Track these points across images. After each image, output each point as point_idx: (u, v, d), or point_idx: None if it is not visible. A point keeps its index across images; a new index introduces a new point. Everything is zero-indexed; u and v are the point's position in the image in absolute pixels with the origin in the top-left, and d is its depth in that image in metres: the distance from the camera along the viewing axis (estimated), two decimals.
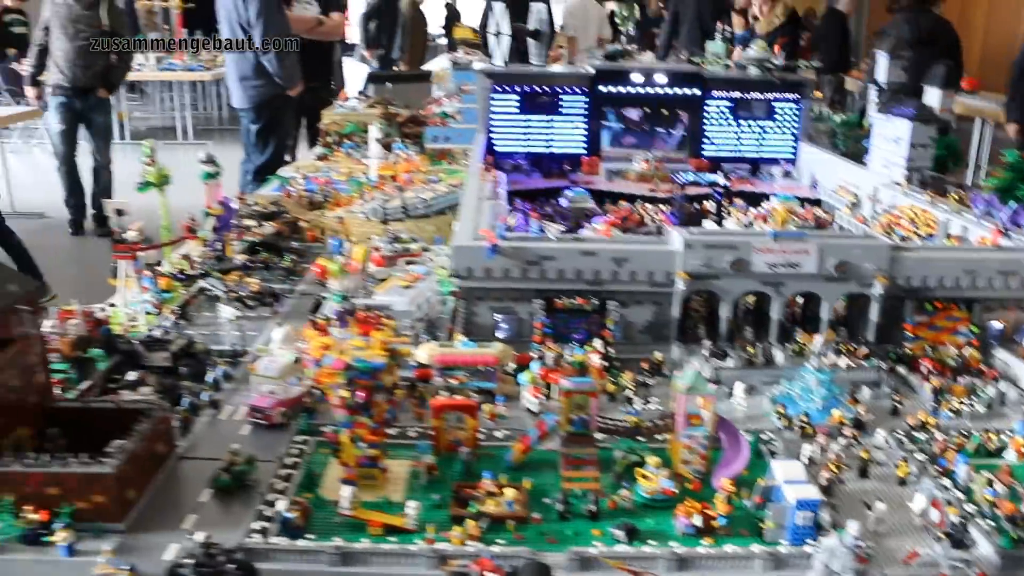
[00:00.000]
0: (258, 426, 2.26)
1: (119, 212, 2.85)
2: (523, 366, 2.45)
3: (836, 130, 5.39)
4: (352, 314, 1.98)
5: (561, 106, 4.96)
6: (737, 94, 4.97)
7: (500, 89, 4.90)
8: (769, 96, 4.96)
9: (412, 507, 1.83)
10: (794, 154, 5.07)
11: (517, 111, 4.97)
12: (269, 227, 3.95)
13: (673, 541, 1.83)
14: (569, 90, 4.93)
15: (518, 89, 4.91)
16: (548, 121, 4.99)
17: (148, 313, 2.86)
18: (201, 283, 3.06)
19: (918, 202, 3.58)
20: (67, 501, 1.81)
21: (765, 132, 5.04)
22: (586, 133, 5.01)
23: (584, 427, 2.06)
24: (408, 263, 3.49)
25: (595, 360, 2.51)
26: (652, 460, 2.03)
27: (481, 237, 2.66)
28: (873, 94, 4.16)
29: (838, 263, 2.68)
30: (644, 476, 2.01)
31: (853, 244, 2.72)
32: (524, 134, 5.01)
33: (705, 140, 5.06)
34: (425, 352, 2.41)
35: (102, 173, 9.04)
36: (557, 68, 5.19)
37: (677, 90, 4.95)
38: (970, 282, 2.76)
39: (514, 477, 2.00)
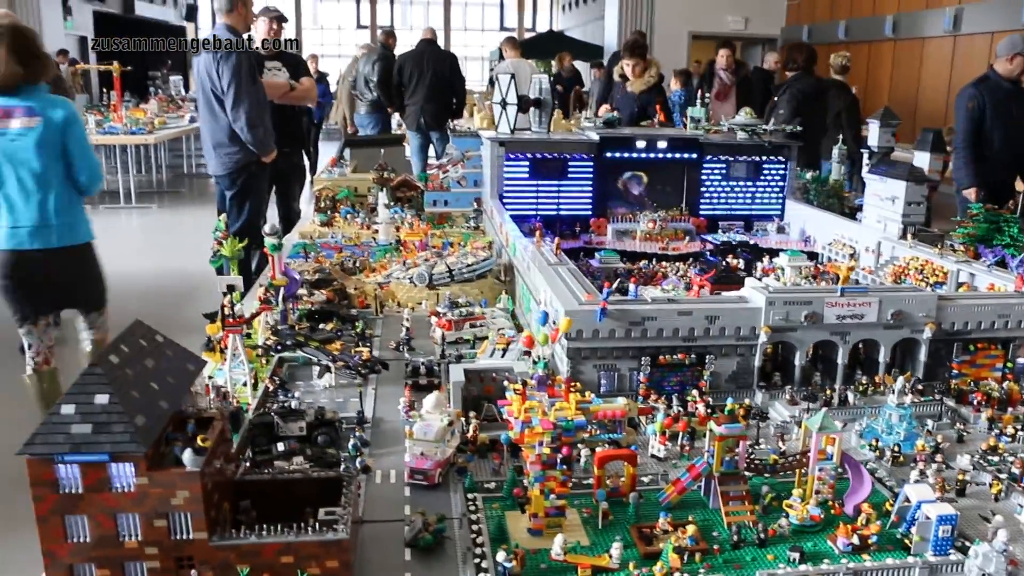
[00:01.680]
0: (417, 487, 2.43)
1: (230, 288, 3.00)
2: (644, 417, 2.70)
3: (808, 186, 5.87)
4: (551, 379, 2.19)
5: (569, 171, 5.29)
6: (730, 157, 5.41)
7: (512, 156, 5.20)
8: (758, 158, 5.41)
9: (616, 548, 2.04)
10: (781, 211, 5.52)
11: (527, 176, 5.27)
12: (320, 295, 4.12)
13: (835, 559, 2.10)
14: (577, 156, 5.27)
15: (529, 156, 5.22)
16: (557, 185, 5.31)
17: (244, 384, 3.01)
18: (300, 353, 3.21)
19: (925, 254, 4.01)
20: (302, 568, 1.92)
21: (755, 191, 5.48)
22: (592, 196, 5.35)
23: (735, 466, 2.32)
24: (471, 326, 3.74)
25: (700, 409, 2.79)
26: (796, 492, 2.31)
27: (587, 302, 2.92)
28: (865, 157, 4.60)
29: (895, 312, 3.04)
30: (790, 506, 2.28)
31: (907, 296, 3.08)
32: (534, 198, 5.31)
33: (702, 200, 5.46)
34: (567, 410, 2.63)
35: None
36: (563, 135, 5.53)
37: (676, 155, 5.35)
38: (1003, 324, 3.16)
39: (676, 516, 2.24)
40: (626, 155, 5.31)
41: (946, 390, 3.07)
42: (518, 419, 2.11)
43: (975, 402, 3.02)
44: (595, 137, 5.31)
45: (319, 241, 5.43)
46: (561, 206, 5.34)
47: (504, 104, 5.43)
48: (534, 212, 5.28)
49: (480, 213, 5.85)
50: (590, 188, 5.33)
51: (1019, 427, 2.86)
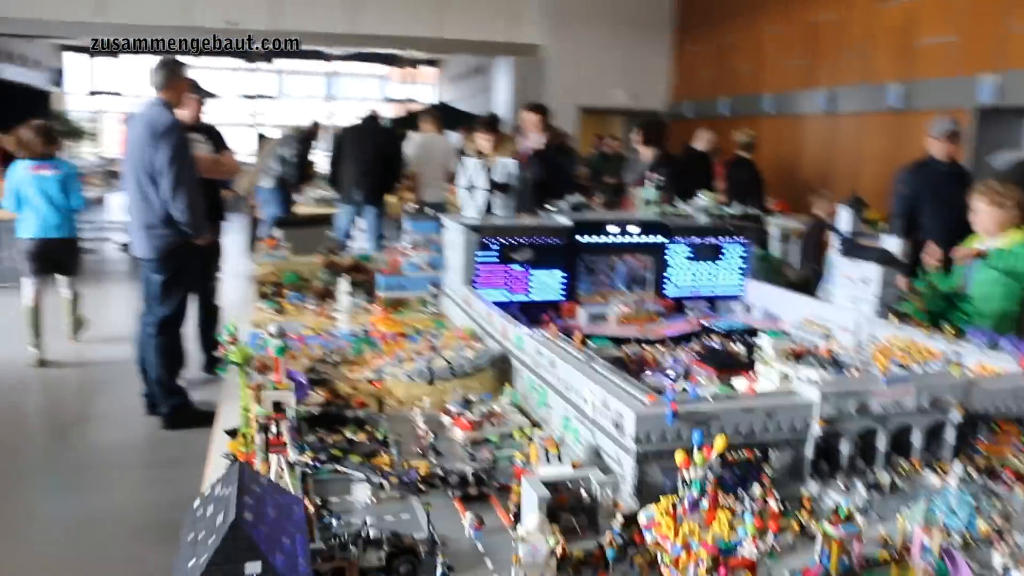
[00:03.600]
0: None
1: (276, 406, 2.82)
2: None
3: (760, 265, 6.09)
4: (699, 499, 2.13)
5: (542, 256, 5.29)
6: (695, 239, 5.54)
7: (485, 243, 5.16)
8: (722, 240, 5.58)
9: None
10: (741, 290, 5.68)
11: (498, 261, 5.23)
12: (317, 395, 3.92)
13: None
14: (550, 241, 5.28)
15: (501, 241, 5.20)
16: (527, 270, 5.29)
17: None
18: (338, 467, 3.02)
19: (911, 334, 4.19)
20: None
21: (718, 271, 5.63)
22: (566, 280, 5.35)
23: (849, 566, 2.32)
24: (491, 424, 3.63)
25: (772, 504, 2.79)
26: None
27: (652, 403, 2.89)
28: (835, 240, 4.81)
29: (933, 399, 3.15)
30: None
31: (941, 383, 3.20)
32: (506, 283, 5.27)
33: (667, 281, 5.56)
34: (644, 516, 2.57)
35: None
36: (535, 220, 5.54)
37: (646, 238, 5.44)
38: (1018, 405, 3.33)
39: None
40: (599, 240, 5.35)
41: (985, 471, 3.19)
42: (675, 543, 2.04)
43: (1005, 479, 3.14)
44: (568, 222, 5.35)
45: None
46: (531, 291, 5.32)
47: (471, 188, 5.41)
48: (505, 298, 5.24)
49: (435, 296, 5.75)
50: (562, 273, 5.34)
51: None
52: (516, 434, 3.58)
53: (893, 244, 4.60)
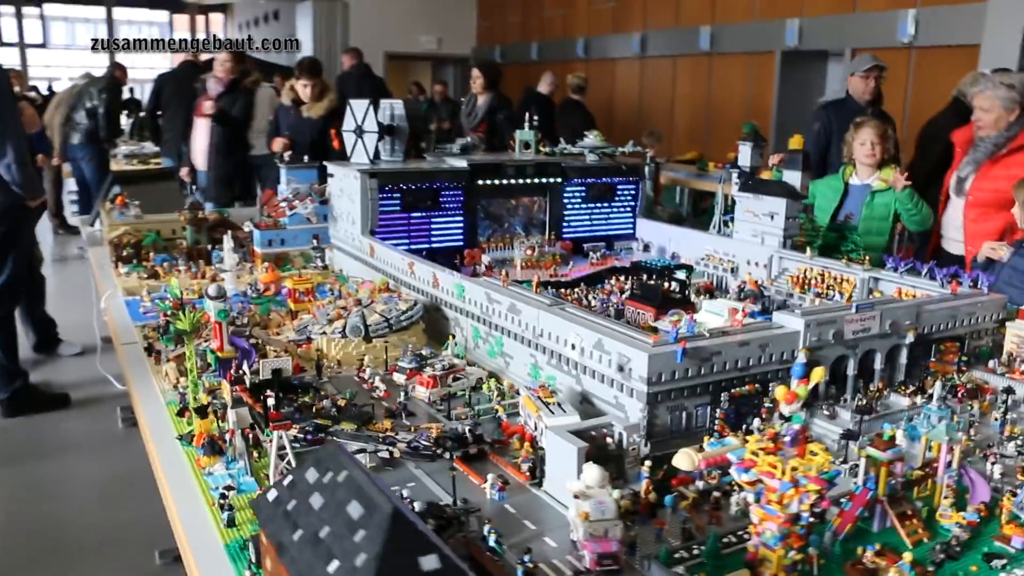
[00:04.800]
0: (609, 572, 2.16)
1: (276, 373, 2.49)
2: None
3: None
4: (803, 433, 2.04)
5: (441, 201, 5.05)
6: (589, 180, 5.49)
7: (385, 189, 4.85)
8: (614, 180, 5.56)
9: None
10: (633, 229, 5.72)
11: (399, 209, 4.95)
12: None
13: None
14: (448, 185, 5.05)
15: (402, 187, 4.91)
16: (428, 217, 5.05)
17: None
18: (335, 438, 2.72)
19: (826, 265, 4.35)
20: None
21: (611, 212, 5.62)
22: (464, 226, 5.15)
23: (895, 489, 2.36)
24: (454, 379, 3.43)
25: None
26: (945, 502, 2.41)
27: (657, 343, 2.80)
28: (734, 176, 4.91)
29: (891, 323, 3.28)
30: (941, 515, 2.38)
31: (898, 307, 3.33)
32: (406, 231, 5.00)
33: (565, 224, 5.49)
34: (686, 459, 2.50)
35: None
36: (432, 164, 5.26)
37: (542, 180, 5.32)
38: (958, 323, 3.54)
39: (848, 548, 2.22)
40: (497, 182, 5.18)
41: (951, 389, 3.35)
42: (782, 479, 1.96)
43: (959, 395, 3.33)
44: (464, 165, 5.12)
45: (155, 296, 4.65)
46: (433, 238, 5.09)
47: (360, 132, 5.05)
48: (407, 246, 4.97)
49: (323, 251, 5.39)
50: (461, 218, 5.14)
51: (1003, 411, 3.19)
52: (486, 387, 3.40)
53: (794, 178, 4.76)
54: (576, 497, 2.22)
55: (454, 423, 2.96)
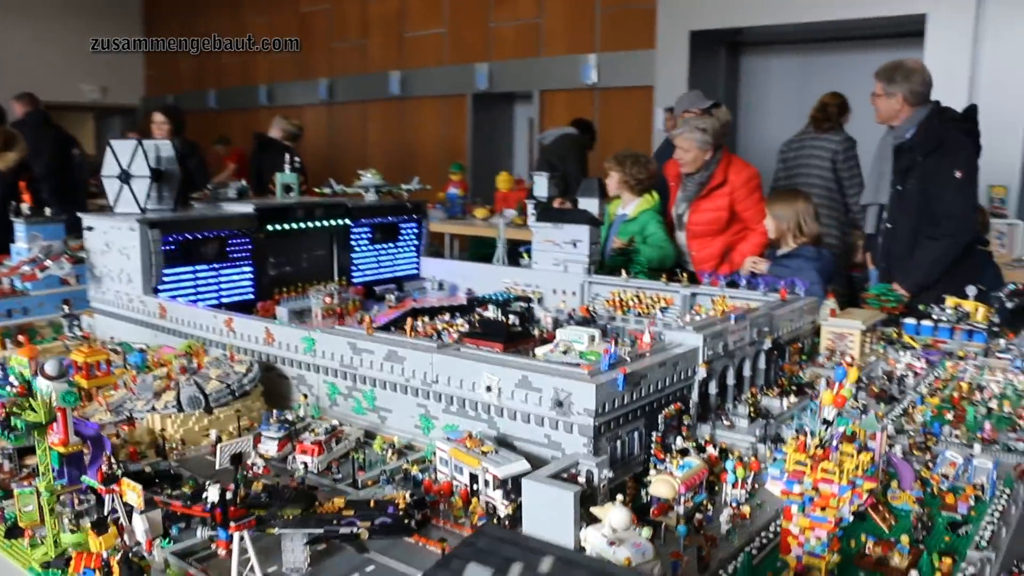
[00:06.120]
0: None
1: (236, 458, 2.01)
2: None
3: None
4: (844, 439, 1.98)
5: (228, 251, 4.53)
6: (377, 219, 5.23)
7: (168, 240, 4.24)
8: (398, 219, 5.35)
9: None
10: (417, 269, 5.53)
11: (184, 262, 4.36)
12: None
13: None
14: (235, 233, 4.53)
15: (188, 236, 4.32)
16: (215, 269, 4.49)
17: None
18: (280, 531, 2.24)
19: (640, 286, 4.51)
20: None
21: (396, 252, 5.40)
22: (254, 276, 4.65)
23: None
24: (337, 441, 3.05)
25: (711, 450, 2.81)
26: (894, 483, 2.56)
27: (589, 373, 2.68)
28: (531, 207, 4.93)
29: (758, 331, 3.45)
30: (892, 498, 2.52)
31: (759, 315, 3.52)
32: (193, 287, 4.41)
33: (354, 268, 5.17)
34: (664, 486, 2.40)
35: None
36: (213, 211, 4.67)
37: (331, 222, 4.97)
38: (794, 326, 3.83)
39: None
40: (286, 226, 4.75)
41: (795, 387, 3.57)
42: (840, 483, 1.92)
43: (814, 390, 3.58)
44: (250, 210, 4.63)
45: None
46: (222, 292, 4.54)
47: (127, 177, 4.38)
48: (193, 305, 4.38)
49: (75, 319, 4.58)
50: (251, 269, 4.64)
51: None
52: (377, 447, 3.05)
53: (590, 205, 4.89)
54: (612, 544, 2.02)
55: (366, 491, 2.61)
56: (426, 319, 4.34)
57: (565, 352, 3.22)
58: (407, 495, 2.40)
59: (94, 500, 2.48)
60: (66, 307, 4.56)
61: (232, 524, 1.90)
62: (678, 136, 6.17)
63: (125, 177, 4.36)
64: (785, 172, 7.42)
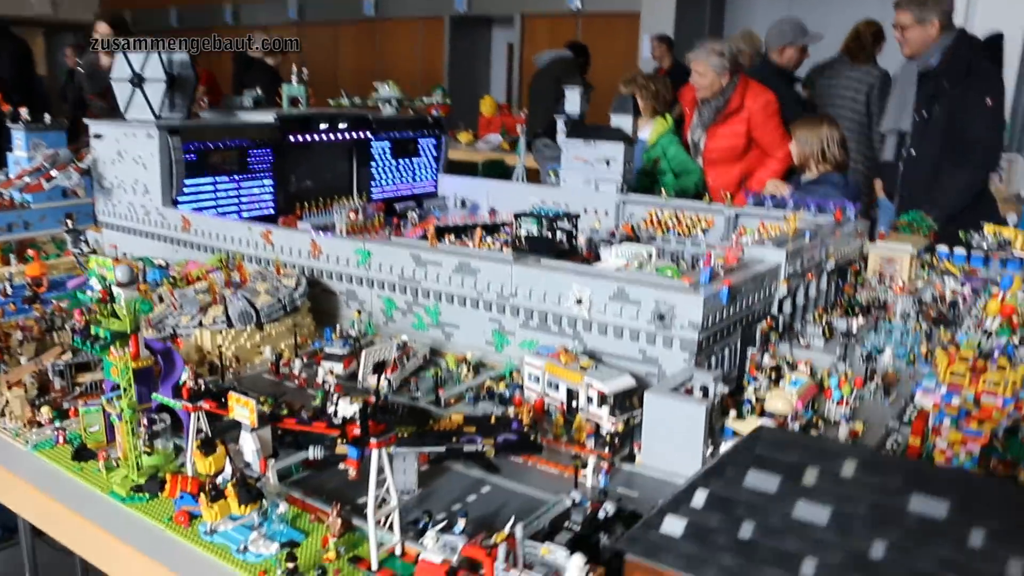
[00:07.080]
0: None
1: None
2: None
3: None
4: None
5: (249, 164, 4.26)
6: (396, 135, 4.98)
7: (188, 148, 3.96)
8: (417, 134, 5.10)
9: None
10: (435, 186, 5.32)
11: (205, 173, 4.09)
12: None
13: None
14: (256, 144, 4.26)
15: (208, 146, 4.05)
16: (236, 181, 4.23)
17: None
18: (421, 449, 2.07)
19: (678, 206, 4.36)
20: None
21: (415, 168, 5.17)
22: (274, 190, 4.40)
23: None
24: (408, 358, 2.88)
25: (802, 368, 2.71)
26: None
27: (690, 286, 2.55)
28: (562, 124, 4.72)
29: (826, 251, 3.36)
30: None
31: (824, 236, 3.41)
32: (213, 199, 4.15)
33: (374, 183, 4.94)
34: (780, 402, 2.30)
35: None
36: (241, 120, 4.38)
37: (354, 134, 4.71)
38: (848, 251, 3.74)
39: None
40: (308, 138, 4.48)
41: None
42: (1005, 395, 1.82)
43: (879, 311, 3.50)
44: (272, 120, 4.36)
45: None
46: (242, 206, 4.29)
47: (140, 81, 4.07)
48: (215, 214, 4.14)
49: (80, 234, 4.31)
50: (272, 182, 4.38)
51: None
52: (451, 362, 2.89)
53: (624, 122, 4.70)
54: None
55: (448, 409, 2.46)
56: (452, 237, 4.15)
57: (640, 267, 3.10)
58: (530, 409, 2.25)
59: (169, 420, 2.31)
60: (69, 222, 4.28)
61: (373, 440, 1.74)
62: (694, 60, 5.98)
63: (138, 81, 4.04)
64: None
